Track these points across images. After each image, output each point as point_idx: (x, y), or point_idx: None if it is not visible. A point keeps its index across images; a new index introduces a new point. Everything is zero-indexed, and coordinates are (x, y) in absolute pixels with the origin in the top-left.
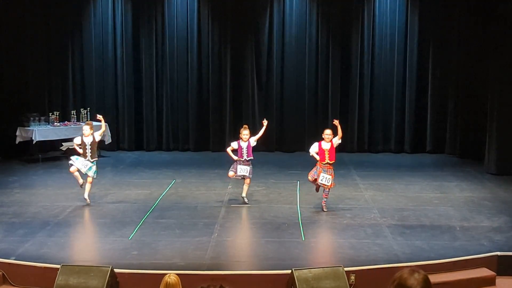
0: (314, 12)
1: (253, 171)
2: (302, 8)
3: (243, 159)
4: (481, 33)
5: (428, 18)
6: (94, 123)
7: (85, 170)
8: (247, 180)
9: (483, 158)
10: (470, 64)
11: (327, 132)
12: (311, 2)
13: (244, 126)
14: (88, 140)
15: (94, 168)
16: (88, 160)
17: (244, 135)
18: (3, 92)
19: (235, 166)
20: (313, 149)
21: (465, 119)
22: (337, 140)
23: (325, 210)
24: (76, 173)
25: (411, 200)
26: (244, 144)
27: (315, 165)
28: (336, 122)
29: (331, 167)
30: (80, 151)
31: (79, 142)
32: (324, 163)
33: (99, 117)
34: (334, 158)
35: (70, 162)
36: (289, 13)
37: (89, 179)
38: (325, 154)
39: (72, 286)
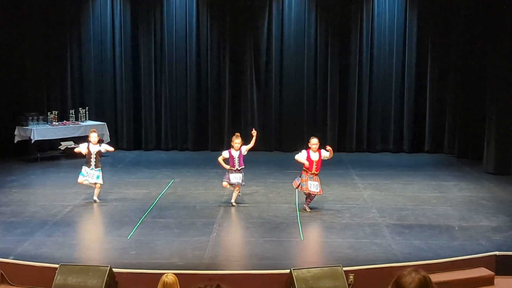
0: (313, 12)
1: (245, 179)
2: (300, 8)
3: (234, 169)
4: (480, 33)
5: (426, 18)
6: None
7: (93, 181)
8: (237, 188)
9: (482, 158)
10: (469, 64)
11: (314, 141)
12: (309, 2)
13: (236, 134)
14: (94, 149)
15: (100, 174)
16: (92, 169)
17: (235, 143)
18: (1, 92)
19: (228, 176)
20: (302, 156)
21: (463, 119)
22: (326, 155)
23: (308, 210)
24: (86, 181)
25: (409, 200)
26: (235, 153)
27: (300, 174)
28: (329, 148)
29: (316, 175)
30: (78, 149)
31: (85, 151)
32: (310, 173)
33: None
34: (319, 170)
35: (82, 179)
36: (287, 13)
37: (98, 185)
38: (313, 165)
39: (71, 285)
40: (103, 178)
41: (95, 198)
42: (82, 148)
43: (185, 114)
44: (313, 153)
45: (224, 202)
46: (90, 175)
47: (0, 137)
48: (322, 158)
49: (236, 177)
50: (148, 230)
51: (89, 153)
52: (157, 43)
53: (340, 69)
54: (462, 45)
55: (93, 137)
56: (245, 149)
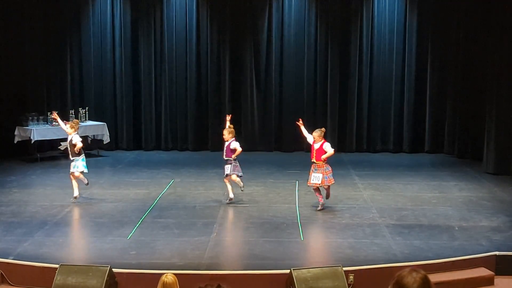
0: (313, 12)
1: (235, 168)
2: (301, 8)
3: (225, 159)
4: (480, 33)
5: (426, 18)
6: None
7: (82, 169)
8: (232, 177)
9: (482, 158)
10: (469, 64)
11: (314, 134)
12: (309, 1)
13: (226, 127)
14: (68, 138)
15: (78, 163)
16: (72, 160)
17: (224, 135)
18: (1, 92)
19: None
20: (309, 138)
21: (463, 119)
22: (329, 151)
23: (318, 208)
24: (82, 176)
25: (409, 200)
26: (225, 144)
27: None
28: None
29: (322, 166)
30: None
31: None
32: (312, 160)
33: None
34: (319, 159)
35: (79, 170)
36: (288, 13)
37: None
38: (313, 153)
39: (71, 285)
40: (76, 167)
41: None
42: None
43: (185, 114)
44: (316, 143)
45: (224, 202)
46: (76, 165)
47: (0, 137)
48: (323, 148)
49: (225, 169)
50: (148, 230)
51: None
52: (157, 43)
53: (340, 69)
54: (462, 45)
55: (67, 128)
56: (235, 145)
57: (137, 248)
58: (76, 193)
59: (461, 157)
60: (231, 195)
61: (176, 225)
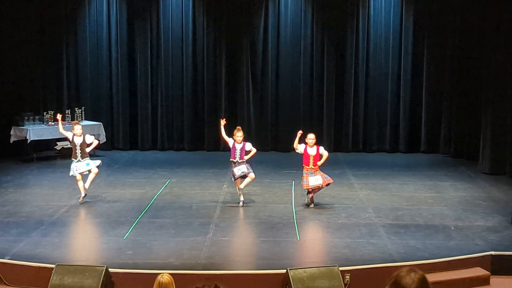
0: (309, 13)
1: (251, 167)
2: (297, 9)
3: (235, 161)
4: (476, 33)
5: (423, 19)
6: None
7: (86, 170)
8: (251, 175)
9: (478, 158)
10: (465, 64)
11: (310, 136)
12: (306, 2)
13: (238, 128)
14: (78, 140)
15: (90, 161)
16: (79, 161)
17: (237, 137)
18: None
19: (233, 171)
20: (300, 148)
21: (459, 119)
22: (324, 153)
23: (311, 205)
24: (80, 182)
25: (405, 200)
26: (238, 146)
27: (302, 170)
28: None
29: (317, 169)
30: (63, 131)
31: (67, 135)
32: (308, 167)
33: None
34: (316, 164)
35: (71, 173)
36: (284, 14)
37: (94, 171)
38: (310, 159)
39: (67, 285)
40: (98, 167)
41: (86, 186)
42: (67, 133)
43: (181, 114)
44: (310, 148)
45: (220, 202)
46: (79, 167)
47: None
48: (320, 153)
49: (239, 169)
50: (144, 230)
51: (74, 145)
52: (153, 43)
53: (336, 69)
54: (458, 45)
55: (77, 129)
56: (249, 145)
57: (133, 248)
58: (83, 194)
59: (457, 157)
60: (242, 197)
61: (172, 225)
